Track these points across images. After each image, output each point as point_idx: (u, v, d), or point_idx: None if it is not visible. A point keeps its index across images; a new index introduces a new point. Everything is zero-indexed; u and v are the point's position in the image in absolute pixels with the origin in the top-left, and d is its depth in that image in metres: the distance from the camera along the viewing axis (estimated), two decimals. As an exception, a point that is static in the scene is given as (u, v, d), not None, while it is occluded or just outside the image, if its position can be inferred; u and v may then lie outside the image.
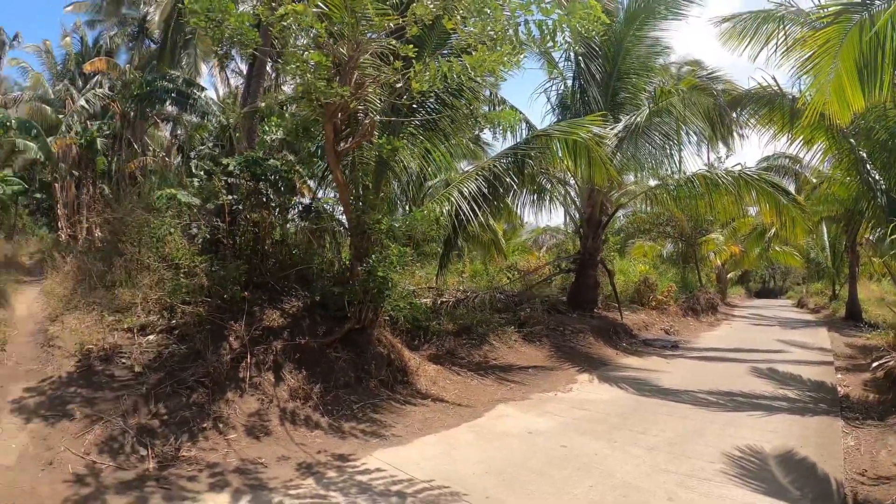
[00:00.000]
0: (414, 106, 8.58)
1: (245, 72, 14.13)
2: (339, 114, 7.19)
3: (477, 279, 16.61)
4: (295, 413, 6.63)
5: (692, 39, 76.76)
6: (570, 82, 15.15)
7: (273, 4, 6.25)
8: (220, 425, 6.02)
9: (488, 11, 5.93)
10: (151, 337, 6.99)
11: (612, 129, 12.68)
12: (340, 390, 7.28)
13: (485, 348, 10.83)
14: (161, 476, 5.09)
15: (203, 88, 16.55)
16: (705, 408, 8.03)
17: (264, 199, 8.34)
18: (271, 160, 8.15)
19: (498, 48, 6.12)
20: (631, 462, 5.79)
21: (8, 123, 13.61)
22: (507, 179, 10.76)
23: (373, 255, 7.61)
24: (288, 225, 8.94)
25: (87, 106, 18.01)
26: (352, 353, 7.83)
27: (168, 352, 6.76)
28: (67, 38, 27.91)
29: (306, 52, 6.36)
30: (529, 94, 57.89)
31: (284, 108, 9.77)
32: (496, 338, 11.26)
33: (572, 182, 15.44)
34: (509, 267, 18.08)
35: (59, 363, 6.70)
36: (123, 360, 6.56)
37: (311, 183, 10.92)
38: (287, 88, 13.61)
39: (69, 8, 25.54)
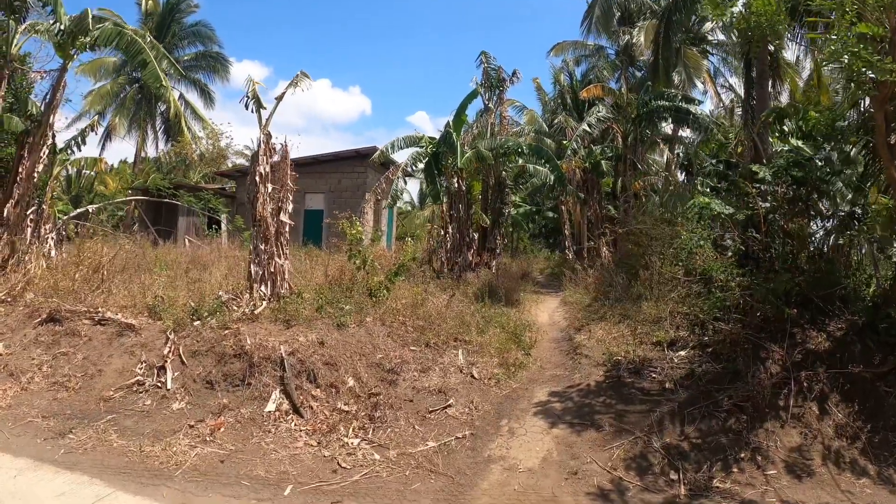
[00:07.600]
0: None
1: (742, 84, 13.34)
2: (892, 100, 6.20)
3: None
4: (840, 454, 5.68)
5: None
6: None
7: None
8: (759, 458, 5.56)
9: None
10: (682, 352, 6.96)
11: None
12: (889, 432, 6.00)
13: None
14: (691, 506, 4.86)
15: (700, 102, 16.29)
16: None
17: (804, 207, 7.49)
18: (815, 160, 7.25)
19: None
20: None
21: (519, 150, 15.60)
22: None
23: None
24: (825, 235, 7.83)
25: (589, 130, 19.92)
26: (903, 389, 6.43)
27: (700, 370, 6.64)
28: (560, 76, 32.10)
29: (853, 26, 5.52)
30: None
31: (800, 109, 8.58)
32: None
33: None
34: None
35: (586, 371, 7.26)
36: (653, 375, 6.72)
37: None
38: (784, 97, 12.14)
39: (552, 51, 29.60)
